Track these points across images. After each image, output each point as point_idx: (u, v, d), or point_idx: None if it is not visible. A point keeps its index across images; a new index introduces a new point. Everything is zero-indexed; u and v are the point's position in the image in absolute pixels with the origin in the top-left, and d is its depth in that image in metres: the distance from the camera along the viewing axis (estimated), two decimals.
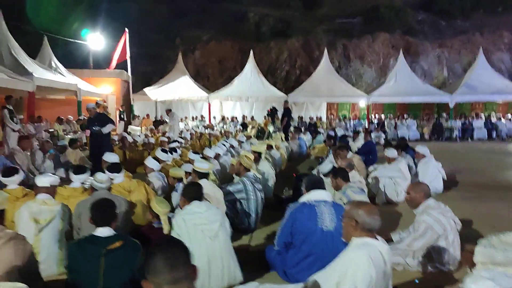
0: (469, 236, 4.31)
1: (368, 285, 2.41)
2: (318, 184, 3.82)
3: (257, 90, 21.23)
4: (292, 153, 12.13)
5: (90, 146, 8.38)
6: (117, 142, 10.48)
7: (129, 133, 14.28)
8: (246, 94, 21.17)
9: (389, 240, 4.41)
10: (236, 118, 22.32)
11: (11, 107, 10.36)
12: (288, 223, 3.69)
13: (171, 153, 7.23)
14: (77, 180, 4.72)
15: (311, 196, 3.72)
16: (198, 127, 19.38)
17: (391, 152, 6.99)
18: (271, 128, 18.69)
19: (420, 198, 4.10)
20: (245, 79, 21.87)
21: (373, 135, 14.09)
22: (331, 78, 22.23)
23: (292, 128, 15.35)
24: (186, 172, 5.72)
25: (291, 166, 10.59)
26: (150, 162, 5.78)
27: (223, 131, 16.70)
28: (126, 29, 20.53)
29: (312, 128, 19.36)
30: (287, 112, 14.75)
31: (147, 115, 21.41)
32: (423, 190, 4.14)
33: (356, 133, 13.11)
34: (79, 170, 4.80)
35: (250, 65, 22.33)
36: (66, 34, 20.83)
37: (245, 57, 23.03)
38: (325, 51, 22.86)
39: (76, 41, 21.40)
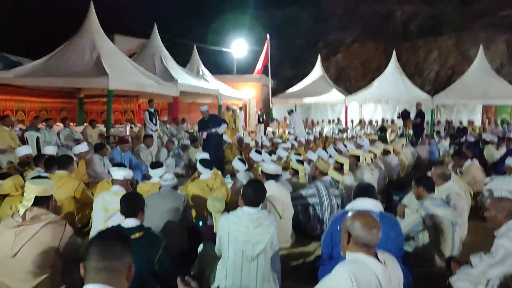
0: None
1: None
2: (365, 192, 3.47)
3: (399, 92, 20.03)
4: (420, 159, 11.14)
5: (203, 146, 8.97)
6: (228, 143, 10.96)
7: (266, 135, 14.93)
8: (386, 96, 20.16)
9: (467, 263, 3.80)
10: (372, 121, 21.41)
11: (152, 110, 11.64)
12: (329, 232, 3.45)
13: (270, 155, 7.30)
14: (154, 175, 5.11)
15: (356, 204, 3.40)
16: (332, 131, 19.13)
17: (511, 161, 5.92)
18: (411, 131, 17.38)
19: (502, 218, 3.39)
20: (386, 80, 20.85)
21: None
22: (487, 77, 19.77)
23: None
24: None
25: (413, 174, 9.73)
26: (235, 163, 5.94)
27: (358, 134, 16.24)
28: (268, 36, 21.36)
29: (461, 133, 17.45)
30: (420, 114, 13.60)
31: (285, 118, 21.92)
32: (506, 208, 3.42)
33: (501, 139, 11.40)
34: (155, 165, 5.19)
35: (392, 66, 21.23)
36: (214, 43, 22.70)
37: (390, 58, 21.97)
38: (481, 48, 20.43)
39: (222, 49, 23.11)
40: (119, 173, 4.42)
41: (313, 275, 3.76)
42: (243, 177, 6.00)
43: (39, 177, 4.01)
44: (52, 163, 5.39)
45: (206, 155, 6.15)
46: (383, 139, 14.25)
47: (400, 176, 9.13)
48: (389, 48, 24.12)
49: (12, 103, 14.95)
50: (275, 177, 4.80)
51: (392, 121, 20.73)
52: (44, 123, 10.89)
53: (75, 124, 14.51)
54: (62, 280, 3.12)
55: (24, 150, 6.68)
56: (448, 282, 3.57)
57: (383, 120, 21.22)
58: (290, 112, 15.48)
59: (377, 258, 2.27)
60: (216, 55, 23.30)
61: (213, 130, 8.97)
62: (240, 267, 3.16)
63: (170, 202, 4.22)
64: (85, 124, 13.10)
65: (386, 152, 9.06)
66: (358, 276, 2.13)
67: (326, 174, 5.20)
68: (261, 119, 20.05)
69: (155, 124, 11.49)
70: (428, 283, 3.72)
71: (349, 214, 2.41)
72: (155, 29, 16.92)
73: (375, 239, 2.27)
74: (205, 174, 5.35)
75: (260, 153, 7.04)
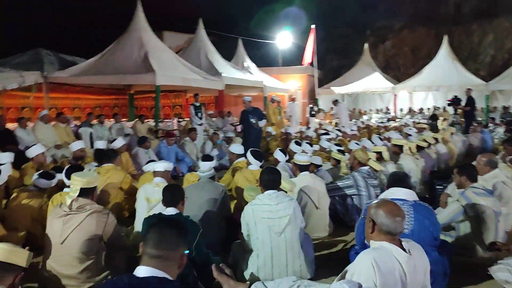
0: None
1: None
2: (399, 181, 3.44)
3: (451, 78, 19.16)
4: (472, 148, 10.70)
5: (243, 138, 9.09)
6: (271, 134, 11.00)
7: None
8: (437, 83, 19.35)
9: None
10: (423, 109, 20.70)
11: (197, 104, 11.90)
12: (362, 220, 3.42)
13: (311, 145, 7.31)
14: (204, 166, 5.27)
15: (389, 193, 3.37)
16: (381, 120, 18.70)
17: None
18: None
19: None
20: (437, 67, 20.01)
21: None
22: None
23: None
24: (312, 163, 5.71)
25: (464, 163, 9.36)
26: (276, 154, 6.00)
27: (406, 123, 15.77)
28: (313, 26, 21.10)
29: None
30: (470, 100, 13.01)
31: (331, 109, 21.64)
32: None
33: None
34: (206, 158, 5.34)
35: (444, 51, 20.33)
36: (259, 36, 22.76)
37: (442, 44, 21.05)
38: None
39: (266, 41, 23.13)
40: (161, 165, 4.63)
41: (348, 263, 3.78)
42: (282, 168, 6.05)
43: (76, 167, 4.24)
44: (102, 157, 5.71)
45: (240, 148, 6.25)
46: (434, 128, 13.78)
47: (448, 165, 8.83)
48: (441, 33, 23.08)
49: (68, 101, 15.75)
50: (308, 167, 4.83)
51: (444, 109, 19.97)
52: (96, 119, 11.44)
53: (127, 119, 15.11)
54: (106, 266, 3.34)
55: (78, 145, 7.03)
56: (488, 272, 3.48)
57: (434, 108, 20.50)
58: (335, 102, 15.25)
59: (402, 247, 2.27)
60: (262, 48, 23.39)
61: (253, 120, 9.01)
62: (269, 243, 3.32)
63: (208, 193, 4.36)
64: (136, 119, 13.61)
65: (434, 141, 8.79)
66: (381, 264, 2.15)
67: (364, 164, 5.16)
68: (312, 112, 19.72)
69: (201, 118, 11.73)
70: (468, 273, 3.65)
71: (373, 202, 2.42)
72: (201, 24, 17.17)
73: (399, 227, 2.27)
74: (254, 165, 5.42)
75: (299, 144, 7.06)
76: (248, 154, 5.55)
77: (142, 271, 1.86)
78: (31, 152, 6.18)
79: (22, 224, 4.39)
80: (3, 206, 4.80)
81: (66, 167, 4.35)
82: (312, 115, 19.41)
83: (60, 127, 9.46)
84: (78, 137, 9.90)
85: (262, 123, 9.07)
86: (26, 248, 2.61)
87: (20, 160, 6.42)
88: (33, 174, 5.81)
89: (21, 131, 8.50)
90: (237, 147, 6.29)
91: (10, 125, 9.42)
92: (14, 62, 12.78)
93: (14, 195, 4.66)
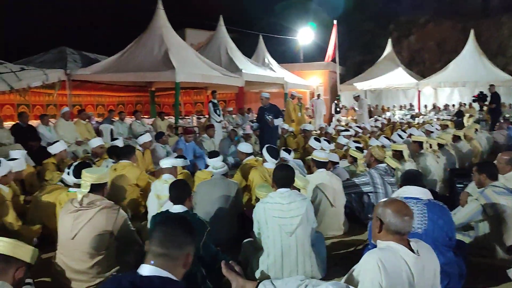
0: None
1: None
2: (412, 179, 3.33)
3: (477, 74, 18.70)
4: (498, 145, 10.38)
5: (259, 136, 9.02)
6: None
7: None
8: (463, 79, 18.91)
9: None
10: (448, 105, 20.20)
11: (215, 101, 11.89)
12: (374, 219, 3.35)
13: (329, 143, 7.22)
14: (212, 163, 5.24)
15: (401, 192, 3.28)
16: (403, 117, 18.35)
17: None
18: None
19: None
20: (463, 62, 19.55)
21: None
22: None
23: None
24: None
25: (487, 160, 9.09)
26: (282, 153, 5.90)
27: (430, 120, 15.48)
28: (335, 22, 20.83)
29: None
30: (495, 97, 12.61)
31: (353, 104, 21.33)
32: None
33: None
34: (213, 154, 5.30)
35: (470, 46, 19.84)
36: (281, 32, 22.64)
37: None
38: None
39: (287, 37, 22.97)
40: (167, 162, 4.62)
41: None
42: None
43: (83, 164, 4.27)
44: (115, 154, 5.76)
45: (248, 147, 6.19)
46: (460, 124, 13.46)
47: (472, 163, 8.58)
48: (468, 27, 22.55)
49: (92, 98, 16.00)
50: (326, 164, 4.75)
51: (470, 105, 19.46)
52: (118, 116, 11.59)
53: (149, 116, 15.23)
54: (116, 261, 3.36)
55: (97, 142, 7.05)
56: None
57: (460, 104, 20.01)
58: (357, 97, 14.97)
59: (410, 247, 2.19)
60: (283, 44, 23.28)
61: (269, 118, 8.91)
62: (280, 242, 3.28)
63: (221, 190, 4.35)
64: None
65: (456, 138, 8.56)
66: (387, 264, 2.07)
67: (381, 161, 5.05)
68: (337, 109, 19.36)
69: (219, 115, 11.71)
70: (486, 274, 3.53)
71: (381, 201, 2.35)
72: (221, 21, 17.17)
73: (407, 226, 2.19)
74: (270, 163, 5.29)
75: (319, 140, 6.97)
76: (264, 151, 5.47)
77: (145, 269, 1.83)
78: (55, 149, 6.25)
79: (47, 218, 4.46)
80: (21, 201, 4.89)
81: (74, 164, 4.38)
82: (337, 112, 19.11)
83: (81, 124, 9.62)
84: (99, 133, 10.06)
85: (278, 121, 8.94)
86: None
87: (41, 156, 6.58)
88: (54, 169, 5.98)
89: (43, 128, 8.68)
90: (244, 146, 6.19)
91: (35, 122, 9.62)
92: (39, 60, 13.03)
93: (40, 189, 4.76)
